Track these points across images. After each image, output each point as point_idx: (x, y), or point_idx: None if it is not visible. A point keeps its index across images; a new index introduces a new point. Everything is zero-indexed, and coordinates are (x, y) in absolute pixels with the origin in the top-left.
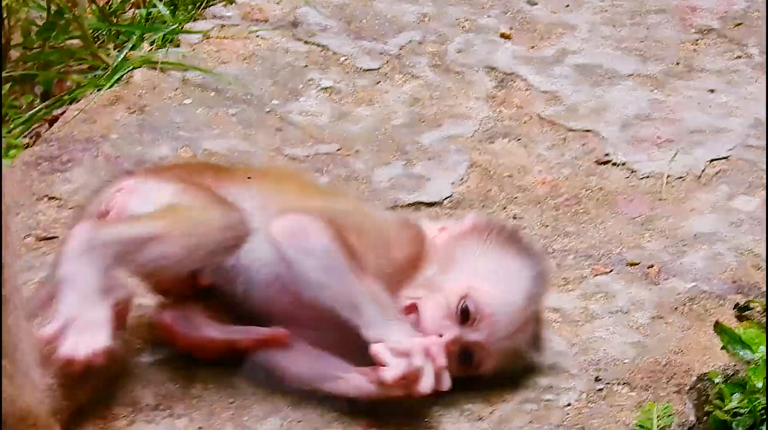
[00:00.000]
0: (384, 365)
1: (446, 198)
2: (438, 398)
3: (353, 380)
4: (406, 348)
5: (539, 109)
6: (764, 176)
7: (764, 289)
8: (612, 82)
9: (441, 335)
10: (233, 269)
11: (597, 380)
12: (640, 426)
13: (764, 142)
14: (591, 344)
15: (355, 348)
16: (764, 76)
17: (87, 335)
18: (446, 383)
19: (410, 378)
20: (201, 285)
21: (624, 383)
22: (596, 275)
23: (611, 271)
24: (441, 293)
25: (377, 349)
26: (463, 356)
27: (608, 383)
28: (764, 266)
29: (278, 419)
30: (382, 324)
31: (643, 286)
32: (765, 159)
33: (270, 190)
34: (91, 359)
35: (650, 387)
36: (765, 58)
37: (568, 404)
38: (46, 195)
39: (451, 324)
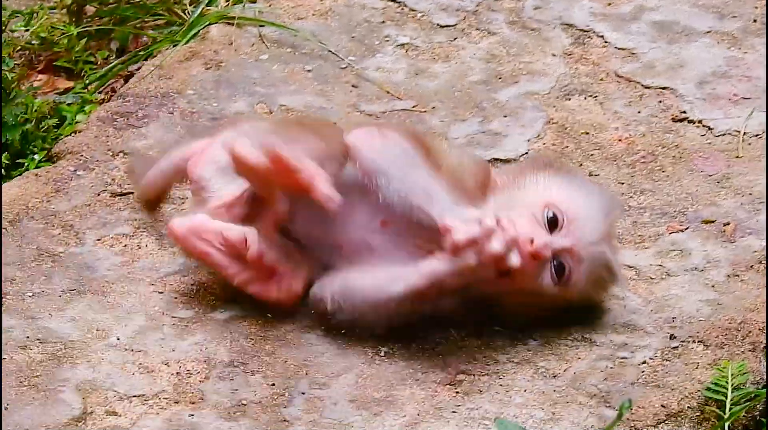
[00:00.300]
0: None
1: (522, 155)
2: (512, 356)
3: (425, 266)
4: (476, 217)
5: (616, 66)
6: None
7: None
8: (689, 39)
9: (532, 241)
10: (299, 204)
11: (672, 337)
12: (715, 384)
13: None
14: (666, 301)
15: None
16: None
17: None
18: (515, 260)
19: (482, 240)
20: (278, 216)
21: (699, 341)
22: (672, 233)
23: (687, 228)
24: (522, 209)
25: (447, 221)
26: (555, 267)
27: (683, 341)
28: None
29: (352, 375)
30: (456, 210)
31: (719, 243)
32: None
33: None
34: None
35: (725, 345)
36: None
37: (643, 362)
38: (122, 151)
39: (542, 231)
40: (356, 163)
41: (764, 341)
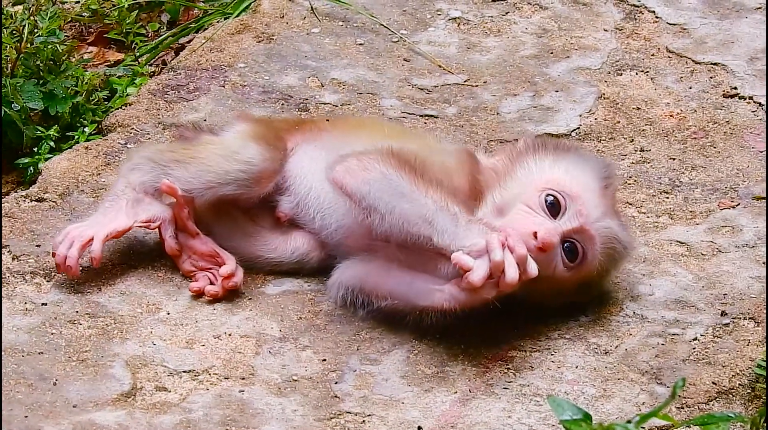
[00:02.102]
0: (468, 270)
1: (574, 130)
2: (563, 332)
3: (447, 291)
4: (483, 247)
5: (667, 41)
6: None
7: None
8: (739, 15)
9: (536, 234)
10: (301, 205)
11: (723, 314)
12: (767, 361)
13: None
14: (718, 278)
15: (436, 268)
16: None
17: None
18: (533, 270)
19: (496, 274)
20: (281, 221)
21: (750, 318)
22: (723, 209)
23: (738, 205)
24: (518, 202)
25: (456, 256)
26: (567, 250)
27: (734, 318)
28: None
29: (404, 351)
30: (455, 230)
31: None
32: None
33: (342, 135)
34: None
35: (765, 320)
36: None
37: (695, 339)
38: (173, 124)
39: (543, 221)
40: (347, 202)
41: None
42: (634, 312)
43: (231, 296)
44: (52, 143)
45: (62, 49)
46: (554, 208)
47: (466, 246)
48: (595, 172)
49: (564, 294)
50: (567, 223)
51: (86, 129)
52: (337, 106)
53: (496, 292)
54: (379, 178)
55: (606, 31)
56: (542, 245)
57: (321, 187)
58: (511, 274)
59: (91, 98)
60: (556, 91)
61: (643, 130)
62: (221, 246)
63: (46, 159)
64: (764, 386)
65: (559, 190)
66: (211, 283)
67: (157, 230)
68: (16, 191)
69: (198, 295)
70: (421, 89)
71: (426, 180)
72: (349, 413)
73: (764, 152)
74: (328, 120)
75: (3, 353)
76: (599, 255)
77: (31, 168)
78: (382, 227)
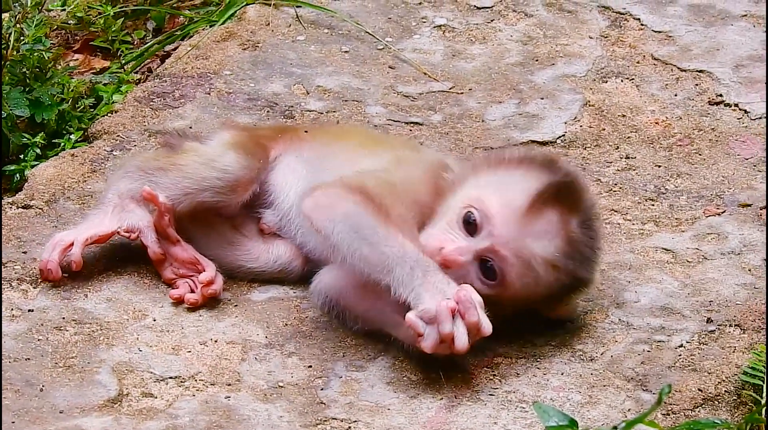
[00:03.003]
0: (420, 335)
1: (559, 137)
2: (549, 339)
3: (408, 332)
4: (434, 316)
5: (652, 49)
6: None
7: None
8: (725, 23)
9: (442, 249)
10: (284, 220)
11: (709, 321)
12: (752, 368)
13: None
14: (703, 285)
15: None
16: None
17: None
18: (486, 330)
19: (446, 341)
20: (264, 233)
21: (736, 325)
22: (709, 216)
23: (724, 212)
24: (443, 217)
25: (410, 319)
26: (483, 269)
27: (720, 325)
28: None
29: (389, 357)
30: (411, 284)
31: (756, 227)
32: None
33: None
34: None
35: (762, 329)
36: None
37: (680, 346)
38: (159, 131)
39: (455, 238)
40: (313, 237)
41: None
42: (619, 319)
43: (216, 303)
44: (38, 150)
45: (48, 57)
46: (470, 226)
47: (419, 309)
48: (528, 189)
49: (511, 307)
50: (479, 242)
51: (72, 136)
52: (322, 113)
53: (449, 352)
54: (342, 218)
55: (591, 38)
56: (443, 262)
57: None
58: (460, 343)
59: (77, 105)
60: (542, 99)
61: (629, 137)
62: (203, 255)
63: (33, 166)
64: (750, 393)
65: (478, 207)
66: (192, 290)
67: (138, 240)
68: (2, 198)
69: (179, 302)
70: (407, 97)
71: (389, 218)
72: (335, 419)
73: (749, 159)
74: (306, 131)
75: None
76: (520, 277)
77: (18, 175)
78: (344, 268)
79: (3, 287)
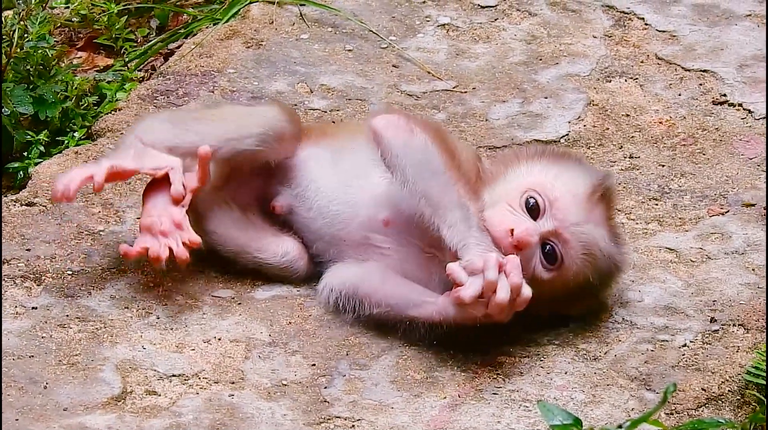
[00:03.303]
0: (460, 284)
1: (563, 136)
2: (552, 338)
3: (439, 304)
4: (480, 266)
5: (656, 48)
6: None
7: None
8: (729, 22)
9: (512, 231)
10: (301, 197)
11: (713, 321)
12: (756, 368)
13: None
14: (707, 284)
15: (429, 274)
16: None
17: None
18: (526, 296)
19: (487, 293)
20: (277, 212)
21: (739, 325)
22: (712, 216)
23: (727, 211)
24: (502, 202)
25: (452, 268)
26: (546, 252)
27: (724, 324)
28: None
29: (393, 356)
30: (464, 230)
31: (760, 227)
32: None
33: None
34: None
35: (766, 329)
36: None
37: (684, 345)
38: None
39: (521, 220)
40: (377, 151)
41: None
42: (623, 318)
43: (221, 301)
44: (41, 148)
45: (52, 54)
46: (534, 210)
47: (464, 260)
48: (584, 179)
49: (549, 302)
50: (544, 224)
51: (76, 134)
52: (326, 112)
53: (484, 311)
54: (417, 146)
55: (595, 38)
56: (517, 243)
57: (323, 180)
58: (502, 295)
59: (80, 103)
60: (545, 98)
61: (633, 136)
62: (210, 231)
63: (36, 164)
64: (753, 392)
65: (541, 192)
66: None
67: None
68: (5, 196)
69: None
70: (410, 95)
71: (459, 171)
72: (339, 417)
73: (753, 159)
74: (333, 122)
75: None
76: (578, 261)
77: (21, 173)
78: (401, 191)
79: (7, 284)
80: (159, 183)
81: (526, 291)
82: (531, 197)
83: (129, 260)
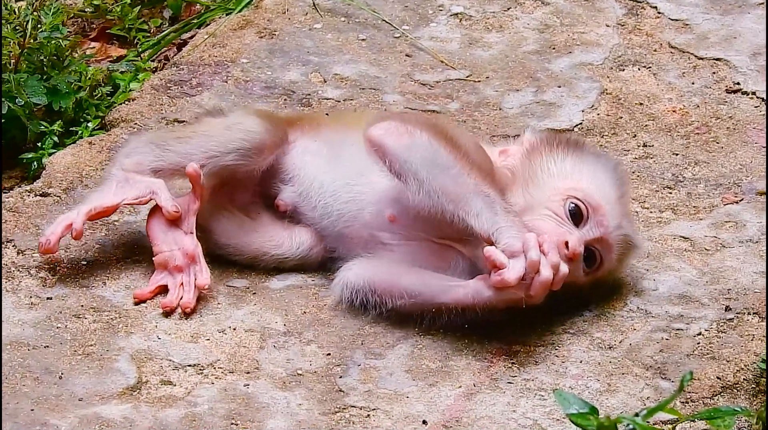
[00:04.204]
0: (501, 267)
1: (577, 125)
2: (567, 327)
3: (471, 287)
4: (519, 248)
5: (669, 37)
6: None
7: None
8: (742, 11)
9: (567, 243)
10: (303, 195)
11: (727, 309)
12: None
13: None
14: (721, 273)
15: (446, 263)
16: None
17: None
18: (565, 270)
19: (530, 274)
20: (281, 210)
21: (754, 313)
22: (726, 204)
23: (742, 200)
24: (542, 208)
25: (491, 251)
26: (587, 257)
27: (739, 313)
28: None
29: (408, 345)
30: (490, 216)
31: None
32: None
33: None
34: None
35: None
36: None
37: (699, 334)
38: (176, 119)
39: (569, 229)
40: (382, 162)
41: None
42: (638, 307)
43: (236, 290)
44: (55, 138)
45: (65, 45)
46: (576, 217)
47: (501, 243)
48: (613, 179)
49: (575, 295)
50: (589, 232)
51: (90, 124)
52: (339, 101)
53: (524, 293)
54: (422, 146)
55: (608, 26)
56: (572, 256)
57: (324, 177)
58: (546, 274)
59: (94, 93)
60: (559, 87)
61: (646, 125)
62: (223, 245)
63: (50, 154)
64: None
65: (582, 198)
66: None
67: (150, 203)
68: (20, 186)
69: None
70: (424, 85)
71: (467, 160)
72: (354, 407)
73: (766, 148)
74: (327, 114)
75: (9, 347)
76: (615, 259)
77: (35, 163)
78: (417, 196)
79: (22, 275)
80: (158, 210)
81: (564, 268)
82: (573, 204)
83: (142, 302)
